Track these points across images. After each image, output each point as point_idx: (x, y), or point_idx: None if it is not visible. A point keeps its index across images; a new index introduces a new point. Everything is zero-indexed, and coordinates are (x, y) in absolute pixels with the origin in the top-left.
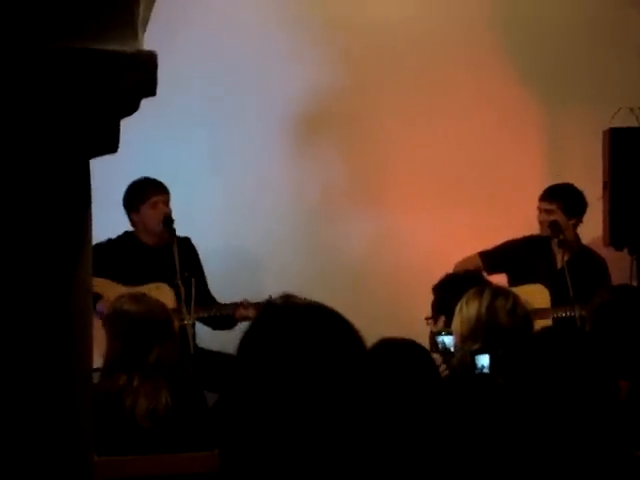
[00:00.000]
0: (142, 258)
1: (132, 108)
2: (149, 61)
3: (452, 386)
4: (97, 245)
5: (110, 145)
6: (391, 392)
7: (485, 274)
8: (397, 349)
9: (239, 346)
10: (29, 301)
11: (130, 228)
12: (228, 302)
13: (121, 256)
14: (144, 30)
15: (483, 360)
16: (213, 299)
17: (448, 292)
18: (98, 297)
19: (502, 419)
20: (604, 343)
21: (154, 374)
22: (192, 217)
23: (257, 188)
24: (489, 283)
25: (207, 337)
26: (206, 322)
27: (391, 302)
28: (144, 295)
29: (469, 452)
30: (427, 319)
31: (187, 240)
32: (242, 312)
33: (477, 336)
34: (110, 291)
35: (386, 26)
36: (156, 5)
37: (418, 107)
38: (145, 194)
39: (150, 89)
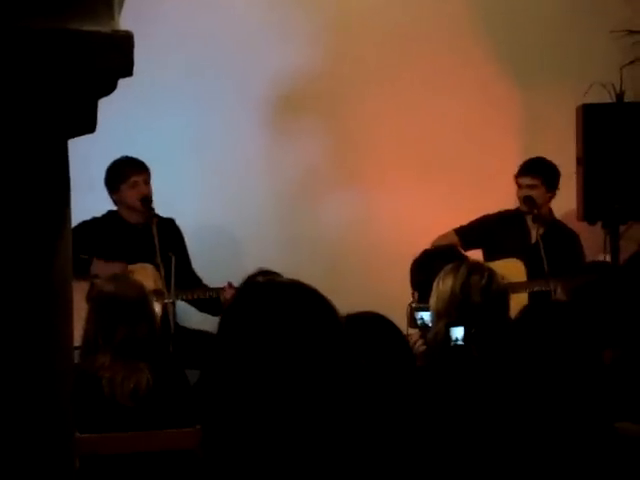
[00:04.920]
0: (126, 237)
1: (109, 88)
2: (125, 41)
3: (429, 360)
4: (83, 223)
5: (88, 125)
6: (362, 367)
7: (462, 249)
8: (364, 323)
9: (220, 323)
10: (9, 282)
11: (113, 207)
12: (208, 282)
13: (106, 234)
14: (120, 10)
15: (457, 332)
16: (199, 280)
17: (421, 268)
18: (89, 262)
19: (478, 391)
20: (588, 318)
21: (126, 354)
22: (171, 197)
23: (236, 168)
24: (465, 258)
25: (192, 317)
26: (192, 303)
27: (371, 280)
28: (124, 275)
29: (441, 427)
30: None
31: (171, 221)
32: (227, 295)
33: (450, 313)
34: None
35: (366, 6)
36: None
37: (396, 86)
38: (125, 173)
39: (127, 69)
